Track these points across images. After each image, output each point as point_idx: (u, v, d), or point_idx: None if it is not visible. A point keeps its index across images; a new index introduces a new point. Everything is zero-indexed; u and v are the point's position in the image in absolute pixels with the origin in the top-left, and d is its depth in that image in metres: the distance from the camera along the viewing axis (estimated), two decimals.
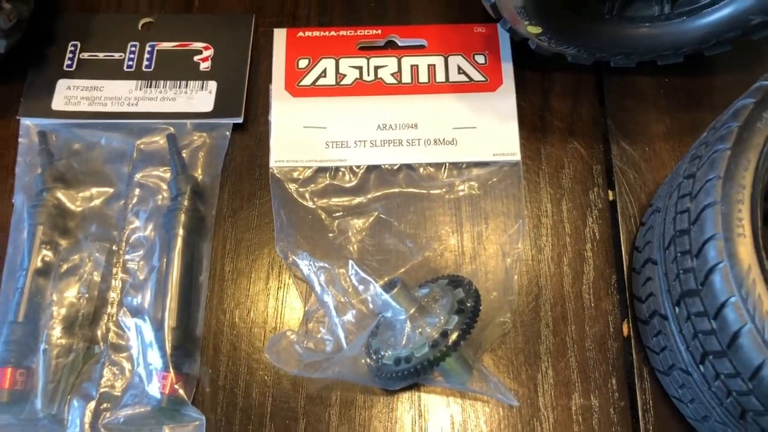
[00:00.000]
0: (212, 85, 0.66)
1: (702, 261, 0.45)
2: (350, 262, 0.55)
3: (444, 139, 0.64)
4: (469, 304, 0.53)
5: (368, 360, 0.52)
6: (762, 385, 0.43)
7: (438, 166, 0.63)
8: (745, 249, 0.44)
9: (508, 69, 0.66)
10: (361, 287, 0.54)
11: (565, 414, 0.56)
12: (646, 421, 0.56)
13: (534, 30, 0.59)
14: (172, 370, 0.55)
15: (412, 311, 0.53)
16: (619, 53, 0.62)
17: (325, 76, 0.66)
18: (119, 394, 0.56)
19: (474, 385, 0.55)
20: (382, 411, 0.57)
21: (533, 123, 0.65)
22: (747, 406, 0.45)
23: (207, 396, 0.57)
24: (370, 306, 0.54)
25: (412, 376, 0.51)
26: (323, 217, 0.61)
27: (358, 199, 0.62)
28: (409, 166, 0.63)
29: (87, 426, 0.55)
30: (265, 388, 0.58)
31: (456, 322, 0.51)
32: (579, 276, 0.61)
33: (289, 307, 0.59)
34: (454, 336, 0.50)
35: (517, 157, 0.63)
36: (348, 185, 0.62)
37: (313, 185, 0.62)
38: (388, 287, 0.53)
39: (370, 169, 0.63)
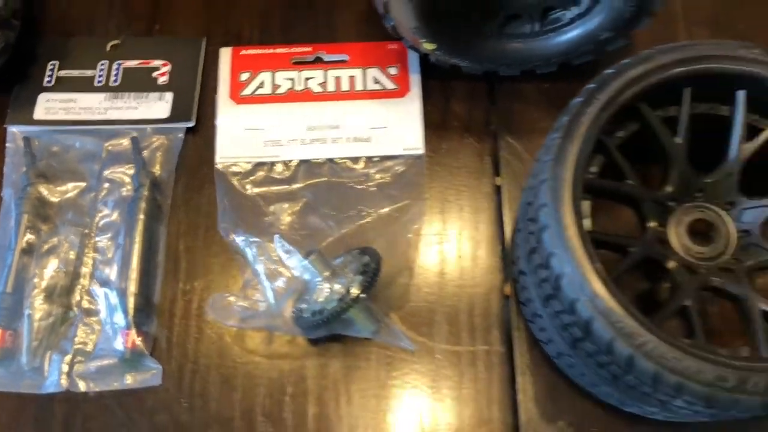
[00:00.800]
0: (169, 95, 0.79)
1: (538, 224, 0.58)
2: (276, 236, 0.68)
3: (361, 137, 0.77)
4: (371, 267, 0.65)
5: (292, 314, 0.65)
6: (578, 318, 0.55)
7: (356, 159, 0.76)
8: (567, 214, 0.57)
9: (415, 79, 0.79)
10: (286, 257, 0.67)
11: (455, 357, 0.69)
12: (522, 363, 0.69)
13: (430, 46, 0.72)
14: (133, 329, 0.68)
15: (326, 274, 0.66)
16: (502, 64, 0.75)
17: (263, 87, 0.79)
18: (90, 349, 0.69)
19: (380, 334, 0.68)
20: (310, 358, 0.69)
21: (436, 123, 0.78)
22: (574, 335, 0.58)
23: (163, 351, 0.70)
24: (294, 272, 0.66)
25: (324, 324, 0.64)
26: (260, 203, 0.74)
27: (289, 188, 0.75)
28: (332, 160, 0.76)
29: (64, 375, 0.68)
30: (210, 343, 0.70)
31: (359, 281, 0.64)
32: (471, 246, 0.74)
33: (231, 276, 0.72)
34: (355, 291, 0.63)
35: (421, 151, 0.76)
36: (281, 176, 0.75)
37: (251, 177, 0.75)
38: (307, 255, 0.66)
39: (300, 163, 0.76)
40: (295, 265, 0.66)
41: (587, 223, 0.62)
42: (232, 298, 0.66)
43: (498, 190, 0.76)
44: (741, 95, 0.62)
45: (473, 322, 0.71)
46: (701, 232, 0.64)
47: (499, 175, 0.76)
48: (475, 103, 0.80)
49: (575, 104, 0.60)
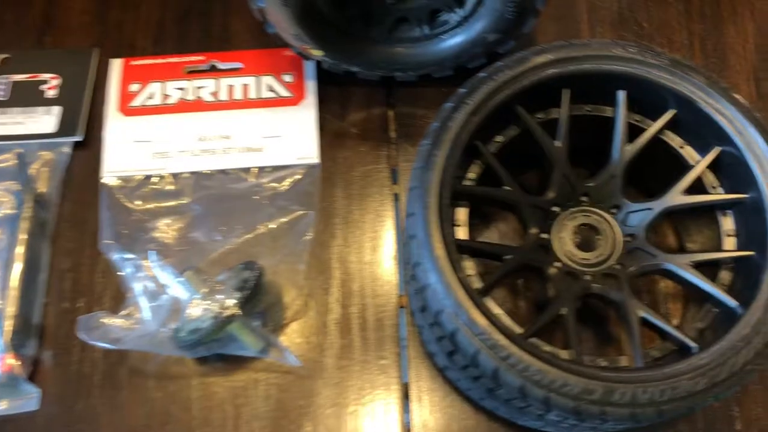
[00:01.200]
0: (57, 109, 0.76)
1: (407, 233, 0.56)
2: (150, 252, 0.65)
3: (253, 147, 0.74)
4: (250, 283, 0.63)
5: (168, 333, 0.63)
6: (445, 330, 0.53)
7: (247, 170, 0.74)
8: (433, 224, 0.55)
9: (311, 86, 0.77)
10: (161, 274, 0.64)
11: (346, 372, 0.67)
12: (414, 376, 0.67)
13: (317, 53, 0.70)
14: (9, 352, 0.65)
15: (203, 291, 0.63)
16: (396, 69, 0.73)
17: (152, 98, 0.76)
18: None
19: (267, 352, 0.65)
20: (195, 378, 0.67)
21: (332, 130, 0.76)
22: (447, 348, 0.56)
23: (46, 372, 0.67)
24: (169, 290, 0.64)
25: (201, 343, 0.62)
26: (144, 218, 0.71)
27: (178, 201, 0.72)
28: (223, 172, 0.74)
29: None
30: (94, 365, 0.68)
31: (236, 297, 0.62)
32: (367, 257, 0.71)
33: (115, 296, 0.70)
34: (230, 308, 0.61)
35: (316, 160, 0.74)
36: (169, 190, 0.73)
37: (138, 191, 0.73)
38: (182, 272, 0.64)
39: (190, 175, 0.74)
40: (170, 282, 0.63)
41: (462, 231, 0.60)
42: (105, 319, 0.64)
43: (396, 197, 0.74)
44: (621, 95, 0.61)
45: (366, 335, 0.68)
46: (586, 237, 0.62)
47: (396, 183, 0.75)
48: (373, 110, 0.77)
49: (445, 109, 0.58)
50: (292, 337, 0.68)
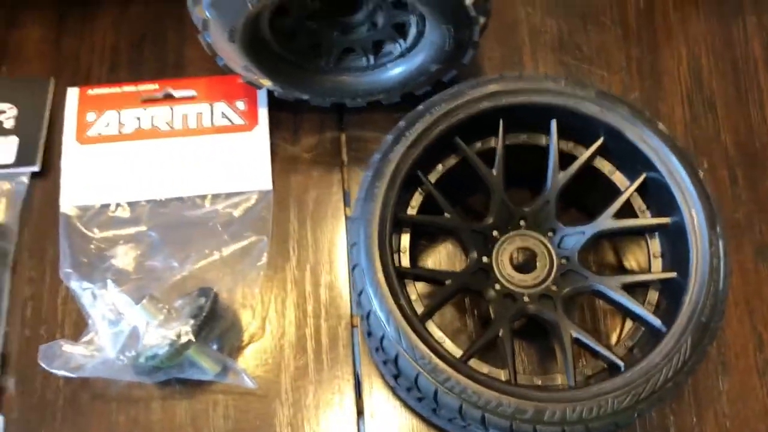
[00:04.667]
0: (13, 139, 0.78)
1: (352, 263, 0.59)
2: (108, 281, 0.68)
3: (207, 174, 0.77)
4: (205, 309, 0.66)
5: (127, 360, 0.65)
6: (388, 355, 0.56)
7: (202, 197, 0.76)
8: (374, 253, 0.58)
9: (263, 113, 0.79)
10: (118, 302, 0.67)
11: (301, 392, 0.70)
12: (368, 395, 0.70)
13: (266, 82, 0.73)
14: None
15: (160, 318, 0.66)
16: (345, 97, 0.76)
17: (108, 126, 0.78)
18: None
19: (223, 375, 0.68)
20: (156, 402, 0.69)
21: (285, 156, 0.79)
22: (392, 371, 0.59)
23: (10, 399, 0.69)
24: (127, 317, 0.66)
25: (158, 369, 0.64)
26: (103, 246, 0.73)
27: (135, 229, 0.75)
28: (179, 198, 0.76)
29: None
30: (57, 391, 0.70)
31: (191, 324, 0.65)
32: (322, 279, 0.74)
33: (75, 323, 0.72)
34: (184, 336, 0.63)
35: (269, 185, 0.77)
36: (126, 217, 0.75)
37: (97, 220, 0.75)
38: (139, 300, 0.66)
39: (146, 202, 0.76)
40: (127, 310, 0.66)
41: (405, 257, 0.63)
42: (66, 347, 0.66)
43: (347, 220, 0.77)
44: (553, 125, 0.64)
45: (320, 356, 0.71)
46: (524, 260, 0.66)
47: (349, 206, 0.77)
48: (324, 135, 0.80)
49: (386, 143, 0.61)
50: (248, 360, 0.71)
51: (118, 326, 0.67)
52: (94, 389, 0.69)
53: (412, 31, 0.71)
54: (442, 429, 0.65)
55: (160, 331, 0.64)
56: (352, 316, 0.73)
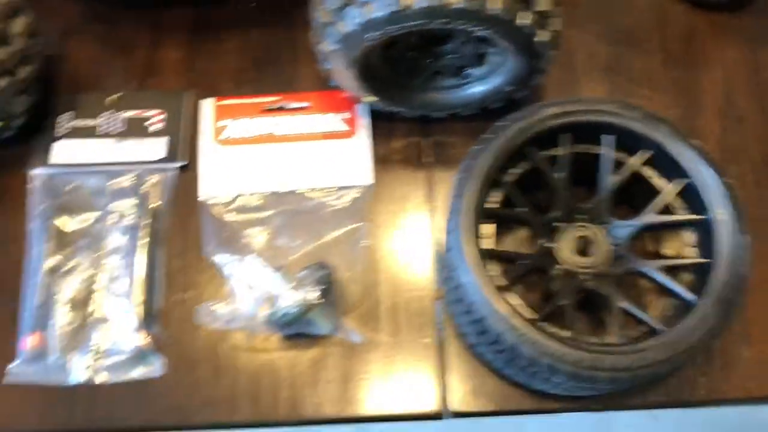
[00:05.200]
0: (165, 139, 0.96)
1: (447, 246, 0.76)
2: (251, 255, 0.86)
3: (318, 171, 0.94)
4: (326, 279, 0.83)
5: (264, 317, 0.83)
6: (476, 316, 0.73)
7: (317, 190, 0.93)
8: (466, 238, 0.74)
9: (364, 122, 0.96)
10: (259, 272, 0.84)
11: (394, 348, 0.87)
12: (448, 351, 0.86)
13: (370, 99, 0.89)
14: (141, 331, 0.85)
15: (292, 285, 0.83)
16: (431, 110, 0.93)
17: (236, 131, 0.96)
18: (105, 348, 0.86)
19: (336, 331, 0.86)
20: (282, 352, 0.87)
21: (381, 157, 0.96)
22: (477, 329, 0.75)
23: (165, 348, 0.87)
24: (265, 284, 0.84)
25: (290, 324, 0.82)
26: (237, 228, 0.91)
27: (261, 215, 0.92)
28: (295, 192, 0.93)
29: (84, 370, 0.85)
30: (201, 342, 0.87)
31: (318, 290, 0.82)
32: (409, 259, 0.91)
33: (216, 288, 0.89)
34: (313, 298, 0.81)
35: (370, 181, 0.94)
36: (254, 205, 0.93)
37: (229, 207, 0.93)
38: (276, 270, 0.84)
39: (270, 194, 0.93)
40: (265, 278, 0.83)
41: (490, 242, 0.80)
42: (214, 307, 0.84)
43: (432, 212, 0.93)
44: (605, 139, 0.80)
45: (410, 320, 0.88)
46: (583, 246, 0.82)
47: (431, 201, 0.94)
48: (413, 140, 0.97)
49: (474, 150, 0.78)
50: (354, 321, 0.88)
51: (255, 291, 0.85)
52: (232, 342, 0.87)
53: (491, 60, 0.87)
54: (512, 378, 0.82)
55: (292, 295, 0.82)
56: (436, 289, 0.89)
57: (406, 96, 0.91)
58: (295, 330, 0.85)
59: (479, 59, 0.89)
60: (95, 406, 0.85)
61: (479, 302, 0.72)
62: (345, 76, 0.85)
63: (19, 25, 0.88)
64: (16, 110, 0.92)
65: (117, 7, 1.03)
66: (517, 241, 0.85)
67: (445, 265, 0.78)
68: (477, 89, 0.89)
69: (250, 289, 0.85)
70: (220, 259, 0.88)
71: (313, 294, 0.82)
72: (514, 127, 0.77)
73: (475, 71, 0.89)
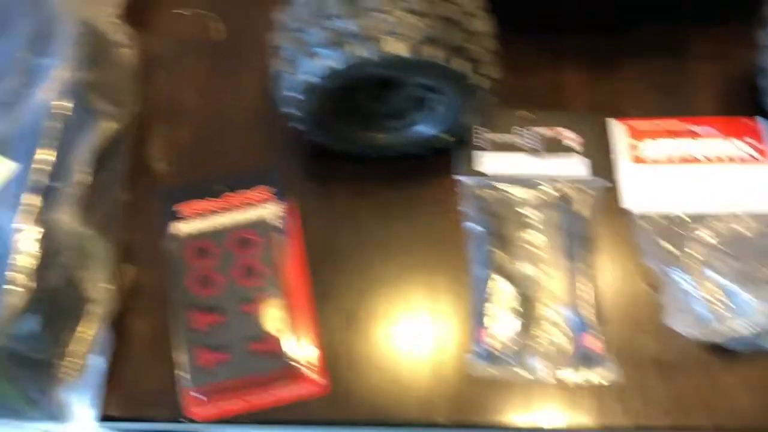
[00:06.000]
0: (586, 160, 1.02)
1: None
2: (704, 269, 0.92)
3: (735, 194, 0.99)
4: None
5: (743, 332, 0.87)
6: None
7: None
8: None
9: None
10: (724, 287, 0.90)
11: None
12: None
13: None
14: (589, 334, 0.90)
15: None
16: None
17: (649, 151, 1.02)
18: (555, 349, 0.90)
19: None
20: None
21: None
22: None
23: (620, 354, 0.90)
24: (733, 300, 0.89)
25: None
26: (675, 240, 0.96)
27: (697, 233, 0.96)
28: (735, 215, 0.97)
29: (540, 368, 0.90)
30: (661, 347, 0.91)
31: None
32: None
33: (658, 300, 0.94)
34: None
35: None
36: (683, 222, 0.98)
37: (661, 224, 0.98)
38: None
39: (698, 215, 0.98)
40: (735, 294, 0.89)
41: None
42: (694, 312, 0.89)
43: None
44: None
45: None
46: None
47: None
48: None
49: None
50: None
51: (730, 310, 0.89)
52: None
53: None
54: None
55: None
56: None
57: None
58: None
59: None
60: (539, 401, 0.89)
61: None
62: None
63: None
64: (469, 124, 0.99)
65: (519, 33, 1.07)
66: None
67: None
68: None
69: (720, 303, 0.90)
70: (666, 272, 0.93)
71: None
72: None
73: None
